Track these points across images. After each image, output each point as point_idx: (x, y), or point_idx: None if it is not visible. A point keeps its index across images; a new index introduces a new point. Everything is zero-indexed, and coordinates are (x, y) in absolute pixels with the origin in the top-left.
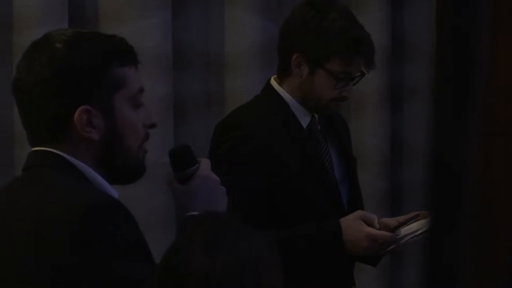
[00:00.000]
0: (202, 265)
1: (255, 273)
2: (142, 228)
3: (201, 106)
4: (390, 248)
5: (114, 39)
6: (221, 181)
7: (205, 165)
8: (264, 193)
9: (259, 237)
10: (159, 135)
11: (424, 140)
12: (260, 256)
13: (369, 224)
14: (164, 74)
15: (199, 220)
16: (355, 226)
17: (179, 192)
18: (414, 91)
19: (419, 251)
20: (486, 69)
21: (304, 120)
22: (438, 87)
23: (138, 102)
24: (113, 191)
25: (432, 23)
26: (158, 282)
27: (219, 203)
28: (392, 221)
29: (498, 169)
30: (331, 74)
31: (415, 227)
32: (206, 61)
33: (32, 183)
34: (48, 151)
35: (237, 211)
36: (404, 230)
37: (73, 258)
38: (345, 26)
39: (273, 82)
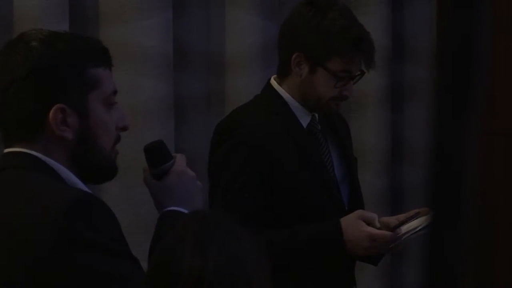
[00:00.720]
0: (194, 265)
1: (246, 273)
2: (141, 228)
3: (201, 106)
4: (391, 247)
5: (89, 40)
6: (221, 180)
7: (180, 160)
8: (264, 193)
9: (249, 236)
10: (160, 135)
11: (424, 140)
12: (250, 255)
13: (370, 223)
14: (165, 74)
15: (189, 219)
16: (356, 225)
17: (154, 188)
18: (414, 91)
19: (419, 250)
20: (486, 69)
21: (304, 119)
22: (439, 86)
23: (112, 103)
24: (88, 190)
25: (432, 23)
26: (149, 280)
27: (194, 199)
28: (392, 219)
29: (498, 169)
30: (331, 73)
31: (415, 225)
32: (207, 61)
33: (7, 185)
34: (22, 152)
35: (237, 211)
36: (405, 228)
37: (58, 256)
38: (346, 25)
39: (273, 82)
